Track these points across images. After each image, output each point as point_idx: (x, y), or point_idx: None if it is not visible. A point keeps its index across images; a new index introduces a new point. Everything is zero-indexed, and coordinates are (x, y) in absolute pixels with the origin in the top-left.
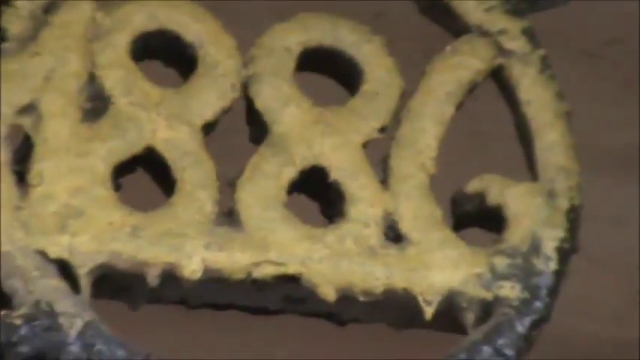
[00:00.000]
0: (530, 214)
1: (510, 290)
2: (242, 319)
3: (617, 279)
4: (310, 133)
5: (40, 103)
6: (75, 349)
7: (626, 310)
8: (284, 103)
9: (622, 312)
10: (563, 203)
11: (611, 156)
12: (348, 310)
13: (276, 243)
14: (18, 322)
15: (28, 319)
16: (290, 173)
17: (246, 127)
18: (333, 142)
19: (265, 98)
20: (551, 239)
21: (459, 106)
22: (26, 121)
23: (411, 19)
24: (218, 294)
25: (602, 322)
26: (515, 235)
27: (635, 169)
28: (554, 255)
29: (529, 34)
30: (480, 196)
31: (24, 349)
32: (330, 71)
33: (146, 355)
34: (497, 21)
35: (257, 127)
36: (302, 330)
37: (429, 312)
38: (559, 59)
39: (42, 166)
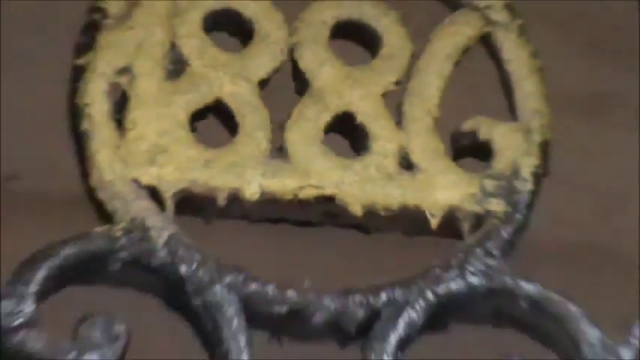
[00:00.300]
0: (512, 146)
1: (497, 205)
2: (291, 230)
3: (584, 197)
4: (341, 86)
5: (133, 66)
6: (162, 254)
7: (594, 219)
8: (321, 64)
9: (589, 221)
10: (537, 138)
11: (577, 102)
12: (372, 222)
13: (316, 171)
14: (119, 234)
15: (126, 231)
16: (326, 118)
17: (292, 82)
18: (359, 93)
19: (306, 60)
20: (527, 166)
21: (456, 64)
22: (123, 80)
23: (427, 3)
24: (272, 211)
25: (573, 229)
26: (501, 163)
27: (597, 112)
28: (530, 178)
29: (509, 8)
30: (473, 134)
31: (123, 254)
32: (356, 39)
33: (216, 259)
34: None
35: (300, 83)
36: (337, 237)
37: (434, 223)
38: (534, 27)
39: (135, 114)
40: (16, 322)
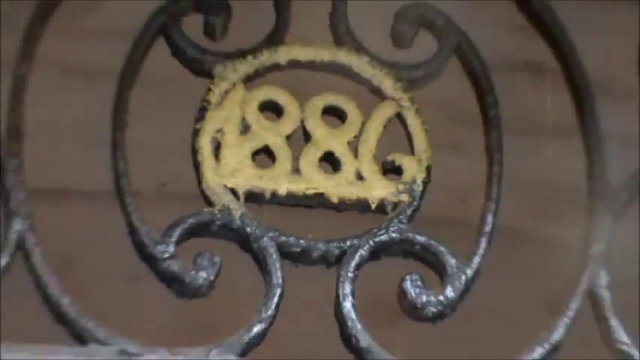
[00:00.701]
0: (412, 168)
1: (404, 198)
2: (302, 210)
3: (449, 192)
4: (327, 138)
5: (224, 129)
6: (238, 222)
7: (454, 203)
8: (316, 127)
9: (452, 204)
10: (425, 164)
11: (445, 145)
12: (343, 206)
13: (315, 180)
14: (216, 212)
15: (220, 211)
16: (319, 154)
17: (302, 136)
18: (336, 141)
19: (310, 125)
20: (420, 178)
21: (385, 127)
22: (218, 135)
23: (370, 96)
24: (293, 201)
25: (443, 209)
26: (406, 177)
27: (453, 149)
28: (421, 184)
29: (411, 99)
30: (393, 162)
31: (218, 222)
32: (335, 115)
33: (264, 224)
34: (399, 94)
35: (306, 137)
36: (325, 214)
37: (373, 206)
38: (423, 109)
39: (224, 152)
40: (165, 256)
